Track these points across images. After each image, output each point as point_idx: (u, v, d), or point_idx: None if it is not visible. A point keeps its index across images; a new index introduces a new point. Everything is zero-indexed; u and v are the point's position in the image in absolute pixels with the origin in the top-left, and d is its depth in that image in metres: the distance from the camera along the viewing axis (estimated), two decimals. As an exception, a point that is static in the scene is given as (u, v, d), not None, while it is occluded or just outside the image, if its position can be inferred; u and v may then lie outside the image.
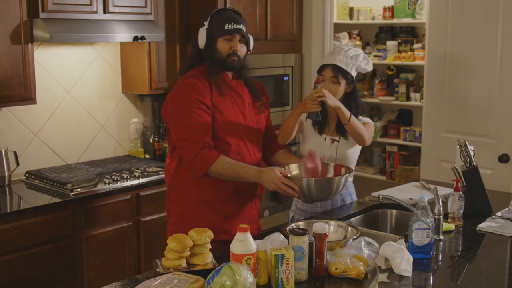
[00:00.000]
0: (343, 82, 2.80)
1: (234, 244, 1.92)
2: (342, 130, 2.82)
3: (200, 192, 2.63)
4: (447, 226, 2.54)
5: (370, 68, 2.93)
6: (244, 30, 2.64)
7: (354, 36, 5.55)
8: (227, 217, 2.64)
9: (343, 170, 2.64)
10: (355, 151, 2.90)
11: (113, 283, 2.01)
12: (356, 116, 2.81)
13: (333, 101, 2.67)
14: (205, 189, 2.62)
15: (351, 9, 5.49)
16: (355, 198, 3.02)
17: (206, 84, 2.59)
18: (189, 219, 2.64)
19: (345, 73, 2.79)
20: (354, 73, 2.84)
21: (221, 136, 2.60)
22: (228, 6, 3.90)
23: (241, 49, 2.64)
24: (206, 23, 2.64)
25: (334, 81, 2.78)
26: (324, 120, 2.84)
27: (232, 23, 2.60)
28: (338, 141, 2.85)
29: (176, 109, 2.59)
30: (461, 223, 2.64)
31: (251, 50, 2.73)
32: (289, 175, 2.51)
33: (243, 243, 1.90)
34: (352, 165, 2.87)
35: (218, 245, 2.39)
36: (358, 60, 2.84)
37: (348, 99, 2.82)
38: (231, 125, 2.63)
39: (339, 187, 2.52)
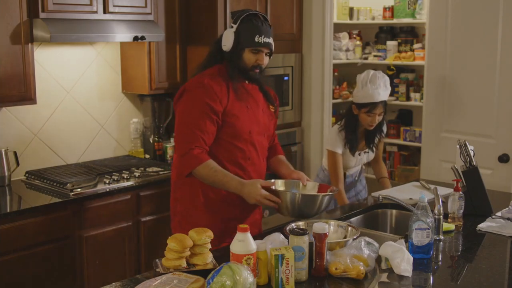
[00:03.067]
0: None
1: (234, 244, 1.92)
2: (369, 144, 3.38)
3: (205, 193, 2.60)
4: (447, 226, 2.54)
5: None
6: (272, 44, 2.59)
7: (354, 36, 5.55)
8: (230, 220, 2.60)
9: (328, 189, 2.55)
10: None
11: (113, 283, 2.01)
12: (381, 137, 3.42)
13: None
14: (211, 190, 2.59)
15: (351, 9, 5.49)
16: (365, 195, 3.55)
17: (223, 86, 2.55)
18: (193, 219, 2.60)
19: (386, 103, 3.27)
20: None
21: (233, 140, 2.57)
22: (228, 6, 3.90)
23: (266, 62, 2.61)
24: (234, 26, 2.56)
25: (381, 114, 3.24)
26: (355, 143, 3.32)
27: (263, 36, 2.54)
28: (366, 153, 3.43)
29: (184, 108, 2.55)
30: (461, 223, 2.64)
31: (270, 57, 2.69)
32: (273, 187, 2.48)
33: (243, 243, 1.90)
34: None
35: (221, 253, 2.34)
36: (388, 84, 3.25)
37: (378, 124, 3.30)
38: (244, 130, 2.59)
39: (322, 205, 2.42)
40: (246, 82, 2.65)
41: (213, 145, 2.56)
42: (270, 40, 2.57)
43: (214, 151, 2.56)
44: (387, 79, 3.22)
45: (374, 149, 3.42)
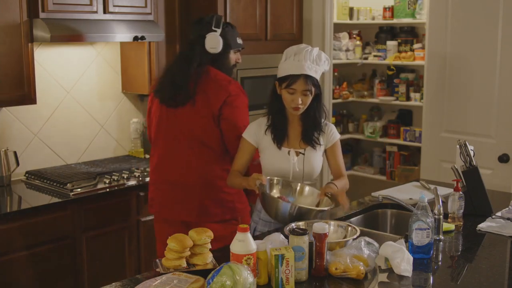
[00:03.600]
0: (313, 91, 2.57)
1: (234, 244, 1.92)
2: (309, 139, 2.62)
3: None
4: (447, 226, 2.54)
5: (328, 68, 2.66)
6: None
7: (354, 36, 5.55)
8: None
9: (325, 200, 2.51)
10: (320, 160, 2.69)
11: (113, 283, 2.01)
12: (320, 123, 2.63)
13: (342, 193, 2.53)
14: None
15: (351, 9, 5.48)
16: None
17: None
18: (247, 218, 2.87)
19: (315, 81, 2.57)
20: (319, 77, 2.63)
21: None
22: (228, 6, 3.91)
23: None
24: (218, 30, 2.84)
25: (306, 94, 2.55)
26: (283, 132, 2.62)
27: (239, 37, 3.00)
28: (303, 154, 2.62)
29: (242, 116, 2.85)
30: (461, 223, 2.64)
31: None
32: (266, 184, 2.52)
33: (243, 243, 1.90)
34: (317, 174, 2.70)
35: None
36: (321, 61, 2.59)
37: (311, 105, 2.60)
38: None
39: (316, 218, 2.41)
40: None
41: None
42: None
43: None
44: (323, 55, 2.59)
45: (315, 145, 2.62)
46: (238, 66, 3.99)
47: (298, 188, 2.61)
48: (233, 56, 2.96)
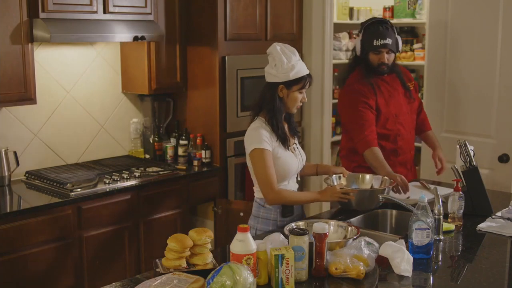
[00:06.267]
0: None
1: (234, 244, 1.92)
2: (296, 131, 2.77)
3: None
4: (447, 226, 2.54)
5: None
6: (391, 43, 3.20)
7: (354, 36, 5.54)
8: None
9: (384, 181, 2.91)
10: None
11: (113, 283, 2.01)
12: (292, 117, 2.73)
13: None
14: None
15: (351, 9, 5.48)
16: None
17: (369, 87, 3.22)
18: None
19: None
20: None
21: (383, 125, 3.23)
22: (228, 6, 3.90)
23: (389, 58, 3.26)
24: (360, 35, 3.26)
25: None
26: (286, 133, 2.67)
27: (380, 39, 3.18)
28: (297, 147, 2.77)
29: (348, 112, 3.25)
30: (461, 223, 2.64)
31: (400, 51, 3.39)
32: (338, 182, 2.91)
33: (243, 243, 1.90)
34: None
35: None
36: None
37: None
38: (391, 116, 3.25)
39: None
40: (385, 75, 3.28)
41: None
42: (387, 41, 3.19)
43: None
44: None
45: (299, 135, 2.82)
46: (238, 66, 4.01)
47: (360, 176, 2.99)
48: (374, 58, 3.25)
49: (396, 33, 3.28)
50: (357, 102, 3.18)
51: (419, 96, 3.54)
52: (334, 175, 2.92)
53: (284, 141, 2.62)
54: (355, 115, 3.19)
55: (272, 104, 2.59)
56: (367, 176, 2.97)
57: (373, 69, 3.25)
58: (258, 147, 2.54)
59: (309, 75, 2.62)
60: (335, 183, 2.89)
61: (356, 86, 3.23)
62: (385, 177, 2.93)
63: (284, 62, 2.55)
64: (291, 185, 2.72)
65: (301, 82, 2.58)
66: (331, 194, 2.65)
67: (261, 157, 2.54)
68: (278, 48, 2.57)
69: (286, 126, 2.70)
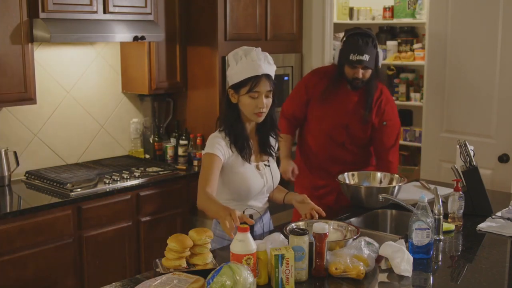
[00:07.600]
0: (272, 93, 2.41)
1: (234, 244, 1.92)
2: (269, 148, 2.49)
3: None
4: (447, 226, 2.54)
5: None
6: (367, 60, 3.02)
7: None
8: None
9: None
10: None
11: (113, 283, 2.01)
12: (276, 126, 2.49)
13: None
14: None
15: (351, 9, 5.49)
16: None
17: (323, 82, 3.20)
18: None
19: (274, 82, 2.40)
20: None
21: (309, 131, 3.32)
22: (228, 6, 3.90)
23: (365, 74, 3.08)
24: (340, 44, 3.13)
25: (268, 95, 2.37)
26: (248, 145, 2.41)
27: (357, 54, 3.01)
28: (269, 166, 2.50)
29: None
30: (461, 223, 2.64)
31: (380, 66, 3.15)
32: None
33: (243, 243, 1.90)
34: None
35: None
36: (271, 60, 2.41)
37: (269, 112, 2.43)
38: (319, 124, 3.24)
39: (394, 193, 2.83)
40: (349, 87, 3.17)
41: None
42: (364, 58, 3.01)
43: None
44: (267, 54, 2.40)
45: (274, 155, 2.53)
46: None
47: (371, 176, 3.08)
48: (349, 71, 3.12)
49: (377, 48, 3.08)
50: (303, 81, 3.38)
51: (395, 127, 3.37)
52: (346, 173, 3.03)
53: (242, 153, 2.37)
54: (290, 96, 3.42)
55: (226, 111, 2.40)
56: (378, 174, 3.08)
57: (348, 82, 3.14)
58: (208, 151, 2.35)
59: (258, 76, 2.30)
60: (347, 181, 3.01)
61: (309, 73, 3.39)
62: (396, 174, 3.04)
63: (233, 64, 2.36)
64: (256, 207, 2.47)
65: (247, 84, 2.31)
66: (225, 215, 2.05)
67: (207, 160, 2.32)
68: (234, 51, 2.39)
69: (256, 138, 2.47)
